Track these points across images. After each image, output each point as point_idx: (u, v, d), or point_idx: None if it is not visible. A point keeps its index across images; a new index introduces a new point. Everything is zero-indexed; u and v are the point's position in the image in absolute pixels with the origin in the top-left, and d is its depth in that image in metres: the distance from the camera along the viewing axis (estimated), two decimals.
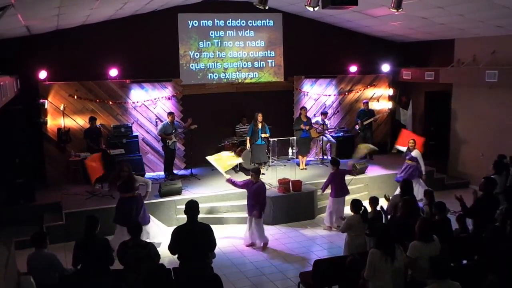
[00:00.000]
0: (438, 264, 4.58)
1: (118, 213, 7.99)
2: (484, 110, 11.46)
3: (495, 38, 10.74)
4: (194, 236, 5.48)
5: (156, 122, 11.54)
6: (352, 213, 6.85)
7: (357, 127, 12.67)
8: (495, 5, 8.24)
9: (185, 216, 5.64)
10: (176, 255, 5.60)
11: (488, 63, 10.64)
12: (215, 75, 12.45)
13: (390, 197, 7.72)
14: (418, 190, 9.41)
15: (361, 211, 6.73)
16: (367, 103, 12.72)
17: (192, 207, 5.58)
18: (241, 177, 11.12)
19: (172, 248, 5.54)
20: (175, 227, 5.77)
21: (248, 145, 10.87)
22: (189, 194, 9.82)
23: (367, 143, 12.66)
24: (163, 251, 5.74)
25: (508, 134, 10.70)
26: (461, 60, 11.75)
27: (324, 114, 12.40)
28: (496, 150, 9.68)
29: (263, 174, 11.13)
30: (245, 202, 8.70)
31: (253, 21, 12.54)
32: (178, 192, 9.74)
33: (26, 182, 9.50)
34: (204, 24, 12.16)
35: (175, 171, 11.39)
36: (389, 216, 7.21)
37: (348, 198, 8.75)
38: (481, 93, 11.40)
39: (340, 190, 9.17)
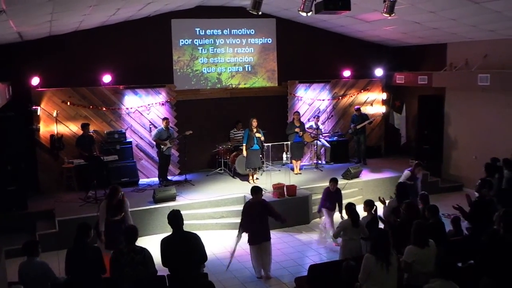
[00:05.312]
0: (446, 265, 4.54)
1: (110, 239, 6.81)
2: (477, 113, 11.51)
3: (487, 42, 10.81)
4: (182, 244, 5.34)
5: (150, 128, 11.49)
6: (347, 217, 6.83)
7: (350, 131, 12.75)
8: (486, 10, 8.29)
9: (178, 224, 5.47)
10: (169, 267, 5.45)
11: (481, 66, 10.70)
12: (209, 81, 12.44)
13: (387, 201, 7.69)
14: None
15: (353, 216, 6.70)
16: (359, 109, 12.77)
17: (175, 217, 5.41)
18: (236, 183, 11.13)
19: (164, 261, 5.37)
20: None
21: (244, 152, 10.80)
22: (183, 200, 9.78)
23: (361, 148, 12.73)
24: (156, 257, 5.65)
25: (501, 136, 10.74)
26: (454, 64, 11.81)
27: (316, 117, 12.44)
28: (489, 153, 9.71)
29: (257, 179, 11.13)
30: (239, 207, 8.23)
31: (247, 27, 12.55)
32: (172, 198, 9.68)
33: (19, 190, 9.40)
34: (197, 30, 12.15)
35: (169, 177, 11.33)
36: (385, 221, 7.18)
37: (344, 202, 8.66)
38: (474, 97, 11.46)
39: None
